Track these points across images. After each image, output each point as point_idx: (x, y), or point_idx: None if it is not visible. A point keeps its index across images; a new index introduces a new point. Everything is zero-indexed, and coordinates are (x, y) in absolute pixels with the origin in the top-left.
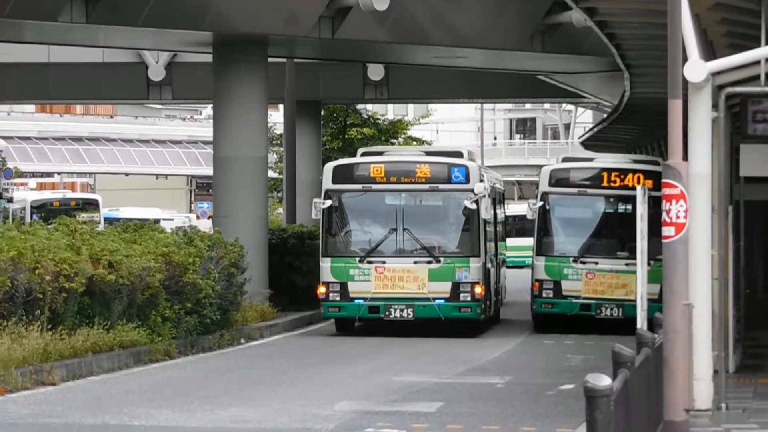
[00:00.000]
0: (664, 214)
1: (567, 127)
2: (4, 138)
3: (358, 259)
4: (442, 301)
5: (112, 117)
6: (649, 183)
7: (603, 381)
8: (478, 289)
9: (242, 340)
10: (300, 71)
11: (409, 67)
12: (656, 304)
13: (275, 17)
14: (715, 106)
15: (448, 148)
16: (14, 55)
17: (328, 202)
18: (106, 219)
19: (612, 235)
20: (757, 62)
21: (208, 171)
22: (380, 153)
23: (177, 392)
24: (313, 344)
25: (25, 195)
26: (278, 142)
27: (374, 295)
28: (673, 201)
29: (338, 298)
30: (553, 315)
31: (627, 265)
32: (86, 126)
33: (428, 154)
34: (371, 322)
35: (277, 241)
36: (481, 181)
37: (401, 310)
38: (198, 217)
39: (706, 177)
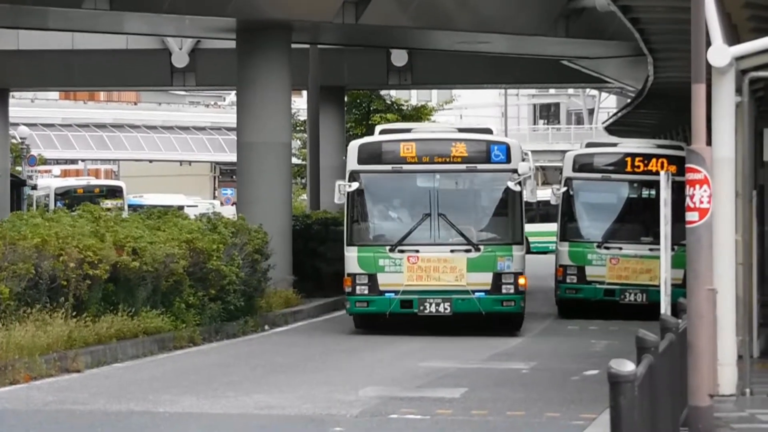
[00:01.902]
0: (687, 199)
1: (591, 112)
2: (28, 125)
3: (388, 248)
4: (483, 293)
5: (135, 104)
6: (673, 168)
7: (627, 366)
8: (522, 281)
9: (267, 327)
10: (324, 57)
11: (432, 53)
12: (680, 289)
13: (299, 3)
14: (738, 91)
15: (476, 125)
16: (39, 42)
17: (355, 185)
18: (130, 206)
19: (636, 220)
20: None
21: (232, 157)
22: (402, 131)
23: (201, 379)
24: (338, 330)
25: (49, 182)
26: (302, 128)
27: (407, 288)
28: (697, 186)
29: (366, 292)
30: (577, 300)
31: (651, 250)
32: (110, 113)
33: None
34: (400, 318)
35: (301, 228)
36: (524, 160)
37: (437, 305)
38: (222, 204)
39: (730, 161)
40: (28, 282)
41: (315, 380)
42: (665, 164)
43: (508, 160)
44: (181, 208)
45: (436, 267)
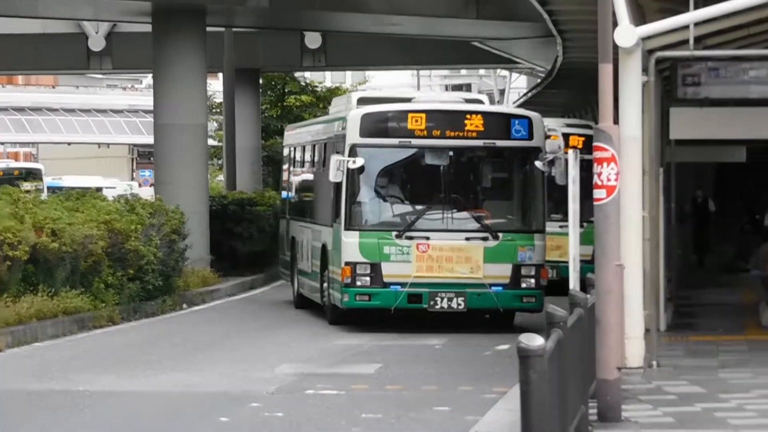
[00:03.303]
0: (595, 177)
1: (502, 92)
2: None
3: (394, 233)
4: (500, 288)
5: (53, 87)
6: (479, 125)
7: (536, 341)
8: (544, 274)
9: (185, 306)
10: (238, 40)
11: (346, 35)
12: (589, 265)
13: None
14: (645, 71)
15: (469, 95)
16: None
17: (360, 161)
18: (49, 188)
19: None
20: (686, 27)
21: (150, 139)
22: (383, 100)
23: (121, 357)
24: (254, 309)
25: None
26: (218, 110)
27: (415, 280)
28: (605, 164)
29: (368, 283)
30: None
31: (561, 227)
32: (28, 96)
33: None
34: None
35: (217, 208)
36: (548, 137)
37: (450, 300)
38: (140, 185)
39: (637, 140)
40: None
41: (232, 358)
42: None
43: (530, 136)
44: (99, 189)
45: (449, 257)
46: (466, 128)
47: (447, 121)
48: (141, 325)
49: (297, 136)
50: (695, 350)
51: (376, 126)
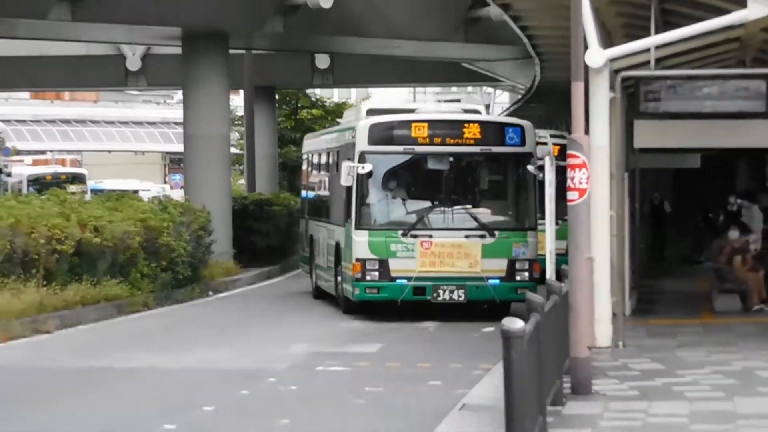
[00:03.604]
0: (569, 181)
1: (487, 107)
2: (3, 121)
3: (400, 232)
4: (497, 281)
5: (95, 102)
6: (476, 133)
7: (517, 324)
8: (536, 268)
9: (210, 293)
10: (257, 61)
11: (351, 56)
12: (563, 257)
13: (235, 14)
14: (612, 88)
15: (466, 106)
16: (10, 49)
17: (368, 167)
18: (92, 190)
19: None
20: (648, 50)
21: (180, 147)
22: (392, 111)
23: (154, 338)
24: (271, 295)
25: (22, 170)
26: (239, 122)
27: (420, 275)
28: (577, 169)
29: (377, 278)
30: None
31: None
32: (74, 110)
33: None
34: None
35: (239, 208)
36: (539, 143)
37: (451, 292)
38: (171, 188)
39: (605, 148)
40: (4, 256)
41: (252, 339)
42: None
43: (523, 143)
44: (135, 191)
45: (450, 253)
46: (465, 136)
47: (447, 129)
48: (172, 310)
49: (314, 144)
50: (656, 332)
51: (382, 134)
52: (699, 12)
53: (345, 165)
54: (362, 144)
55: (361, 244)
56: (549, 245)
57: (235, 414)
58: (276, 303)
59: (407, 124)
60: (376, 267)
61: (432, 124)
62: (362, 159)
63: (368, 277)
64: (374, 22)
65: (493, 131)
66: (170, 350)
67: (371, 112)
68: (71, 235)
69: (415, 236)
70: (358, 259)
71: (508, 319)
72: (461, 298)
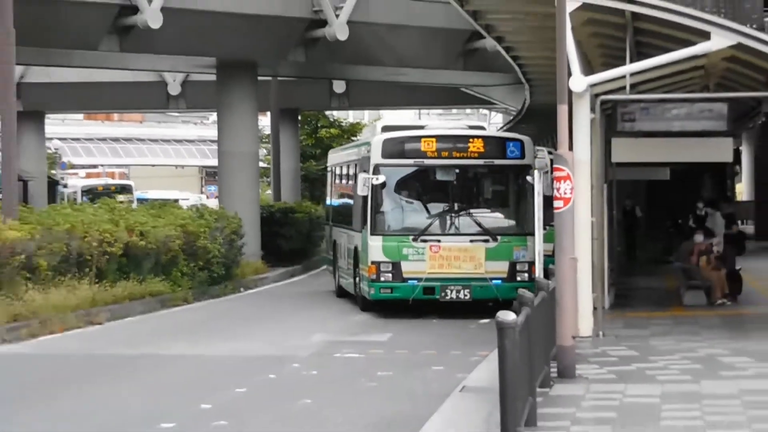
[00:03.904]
0: (555, 191)
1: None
2: (60, 139)
3: (411, 237)
4: (500, 281)
5: (141, 122)
6: (481, 147)
7: (510, 316)
8: (534, 269)
9: (241, 289)
10: (282, 87)
11: (364, 82)
12: (550, 258)
13: (263, 47)
14: (592, 110)
15: (473, 123)
16: (67, 76)
17: (382, 178)
18: (138, 199)
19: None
20: (624, 76)
21: (214, 162)
22: (405, 128)
23: (193, 329)
24: (295, 291)
25: (76, 182)
26: (266, 140)
27: (429, 276)
28: (562, 181)
29: (390, 279)
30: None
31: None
32: (122, 129)
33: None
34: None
35: (266, 215)
36: (536, 156)
37: (458, 291)
38: (207, 197)
39: (586, 163)
40: (61, 257)
41: (278, 329)
42: (482, 146)
43: (523, 155)
44: (176, 201)
45: (456, 256)
46: (470, 150)
47: (453, 144)
48: (208, 304)
49: (336, 158)
50: (631, 323)
51: (395, 149)
52: (668, 43)
53: (361, 176)
54: (376, 157)
55: (375, 248)
56: (537, 247)
57: (263, 395)
58: (299, 297)
59: (417, 139)
60: (390, 269)
61: (440, 139)
62: (376, 171)
63: (382, 278)
64: (384, 52)
65: (496, 145)
66: (207, 339)
67: (386, 128)
68: (120, 239)
69: (425, 241)
70: (373, 262)
71: (502, 312)
72: (467, 297)
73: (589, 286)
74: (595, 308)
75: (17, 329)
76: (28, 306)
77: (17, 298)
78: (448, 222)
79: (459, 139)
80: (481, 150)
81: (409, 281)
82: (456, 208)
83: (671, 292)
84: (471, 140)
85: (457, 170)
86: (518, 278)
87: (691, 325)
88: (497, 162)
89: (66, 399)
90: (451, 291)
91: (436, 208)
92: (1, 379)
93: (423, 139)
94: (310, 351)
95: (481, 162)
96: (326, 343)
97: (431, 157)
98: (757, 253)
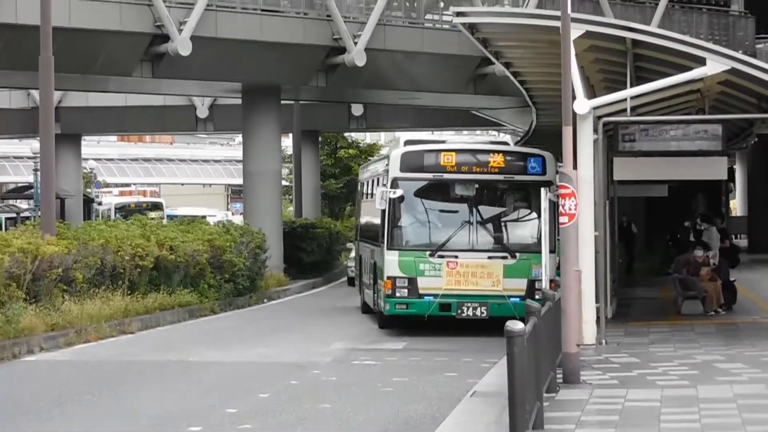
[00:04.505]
0: (560, 207)
1: None
2: (96, 160)
3: (428, 252)
4: (518, 299)
5: (171, 143)
6: (501, 162)
7: (518, 326)
8: (554, 286)
9: (265, 300)
10: (303, 110)
11: (381, 106)
12: (556, 270)
13: (286, 73)
14: (595, 131)
15: (494, 138)
16: (102, 101)
17: (399, 192)
18: (168, 216)
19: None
20: (625, 99)
21: (240, 181)
22: (427, 142)
23: (220, 337)
24: (316, 302)
25: (110, 199)
26: (289, 160)
27: (446, 292)
28: (567, 198)
29: (406, 294)
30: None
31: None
32: (153, 150)
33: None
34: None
35: (289, 230)
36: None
37: (474, 309)
38: (233, 214)
39: (590, 181)
40: (96, 270)
41: (300, 337)
42: (502, 161)
43: (544, 171)
44: (204, 217)
45: (474, 272)
46: (490, 165)
47: (473, 158)
48: (234, 314)
49: (364, 173)
50: (632, 331)
51: (413, 162)
52: (666, 69)
53: (379, 190)
54: (395, 171)
55: (391, 263)
56: (544, 259)
57: (286, 399)
58: (320, 308)
59: (436, 153)
60: (406, 284)
61: (459, 153)
62: (394, 185)
63: (398, 294)
64: (400, 78)
65: (516, 161)
66: (232, 347)
67: (408, 142)
68: (151, 253)
69: (442, 256)
70: (389, 277)
71: (511, 322)
72: (484, 315)
73: (592, 297)
74: (598, 317)
75: (55, 338)
76: (65, 316)
77: (55, 309)
78: (466, 237)
79: (479, 153)
80: (501, 165)
81: (425, 297)
82: (474, 223)
83: (669, 302)
84: (491, 155)
85: (477, 185)
86: (537, 296)
87: (688, 333)
88: (517, 178)
89: (99, 403)
90: (468, 308)
91: (454, 223)
92: (40, 385)
93: (443, 153)
94: (329, 358)
95: (501, 177)
96: (345, 351)
97: (450, 172)
98: (750, 266)
